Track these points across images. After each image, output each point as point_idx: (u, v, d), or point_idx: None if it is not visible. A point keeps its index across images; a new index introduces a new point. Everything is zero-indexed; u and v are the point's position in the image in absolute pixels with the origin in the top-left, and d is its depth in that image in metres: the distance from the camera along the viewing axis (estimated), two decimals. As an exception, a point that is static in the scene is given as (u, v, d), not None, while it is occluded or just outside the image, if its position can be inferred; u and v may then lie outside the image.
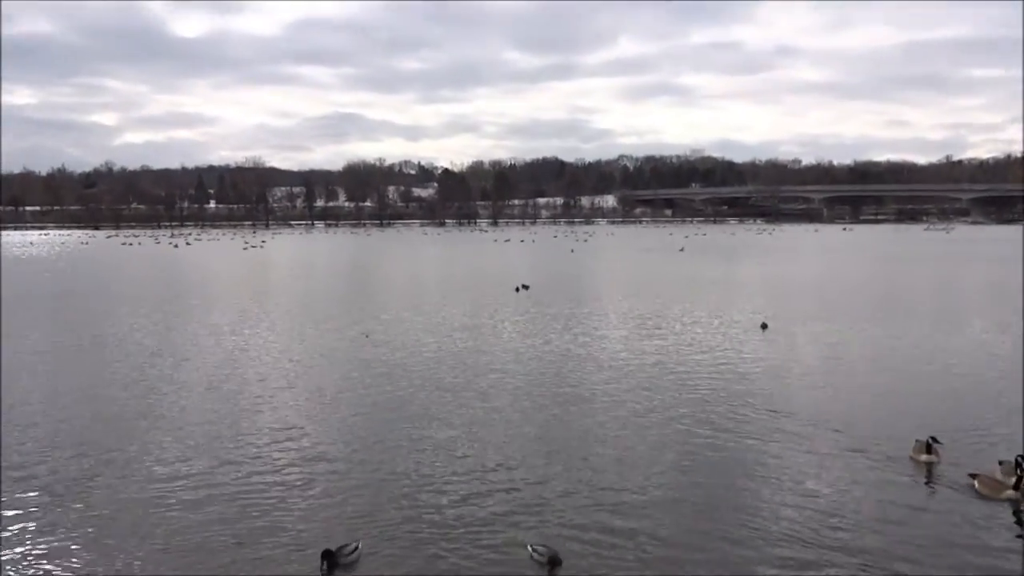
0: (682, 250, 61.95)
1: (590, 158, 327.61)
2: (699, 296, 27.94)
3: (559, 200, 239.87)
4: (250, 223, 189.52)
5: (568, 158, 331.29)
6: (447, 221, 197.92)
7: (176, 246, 78.69)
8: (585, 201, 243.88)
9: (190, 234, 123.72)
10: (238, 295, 28.88)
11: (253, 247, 73.61)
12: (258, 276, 38.83)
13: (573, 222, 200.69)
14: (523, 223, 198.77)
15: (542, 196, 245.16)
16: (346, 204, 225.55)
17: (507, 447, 10.46)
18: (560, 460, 9.93)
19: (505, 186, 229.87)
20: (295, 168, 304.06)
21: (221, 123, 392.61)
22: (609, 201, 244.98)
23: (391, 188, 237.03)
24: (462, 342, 18.35)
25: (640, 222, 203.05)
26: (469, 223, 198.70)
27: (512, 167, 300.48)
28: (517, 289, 30.08)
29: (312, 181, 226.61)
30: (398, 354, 16.86)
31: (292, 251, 67.48)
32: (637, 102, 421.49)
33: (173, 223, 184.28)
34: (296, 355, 16.83)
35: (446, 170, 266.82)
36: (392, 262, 49.77)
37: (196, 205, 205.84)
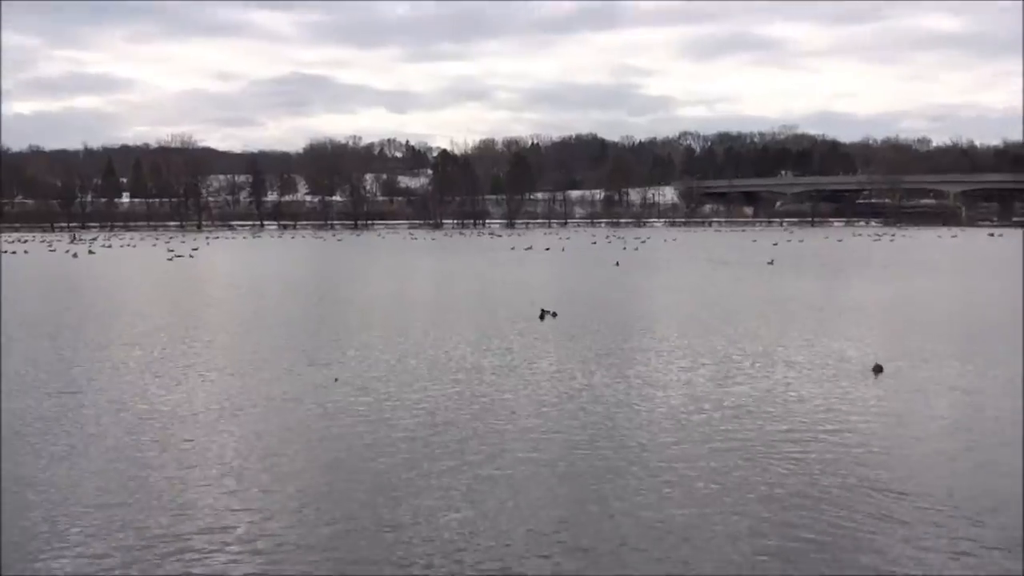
0: (770, 263, 62.06)
1: (642, 136, 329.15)
2: (792, 327, 28.04)
3: (599, 194, 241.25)
4: (177, 223, 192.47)
5: (612, 137, 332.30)
6: (446, 222, 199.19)
7: (76, 255, 79.82)
8: (635, 195, 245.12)
9: (95, 238, 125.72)
10: (158, 326, 29.20)
11: (180, 257, 74.50)
12: (187, 298, 39.27)
13: (618, 223, 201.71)
14: (549, 225, 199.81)
15: (575, 188, 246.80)
16: (308, 199, 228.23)
17: (526, 542, 10.50)
18: (603, 562, 9.88)
19: (525, 175, 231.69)
20: (238, 149, 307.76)
21: (138, 88, 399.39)
22: (667, 195, 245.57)
23: (369, 177, 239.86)
24: (465, 389, 18.51)
25: (710, 224, 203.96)
26: (475, 225, 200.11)
27: (535, 148, 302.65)
28: (541, 316, 30.28)
29: (262, 167, 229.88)
30: (378, 407, 17.02)
31: (233, 263, 68.20)
32: (705, 60, 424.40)
33: (73, 224, 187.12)
34: (237, 411, 17.00)
35: (444, 152, 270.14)
36: (370, 279, 50.19)
37: (104, 199, 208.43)
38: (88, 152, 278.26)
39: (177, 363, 21.84)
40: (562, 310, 32.16)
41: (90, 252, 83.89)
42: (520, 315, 31.28)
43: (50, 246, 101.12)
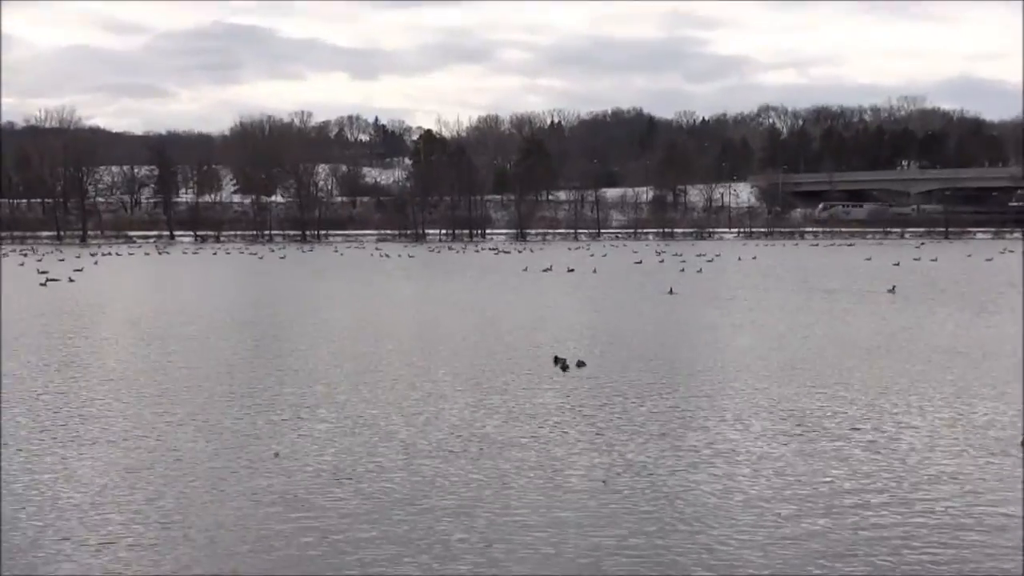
0: (891, 291, 61.95)
1: (706, 113, 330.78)
2: (922, 379, 28.03)
3: (645, 193, 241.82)
4: (53, 233, 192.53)
5: (663, 113, 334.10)
6: (430, 232, 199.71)
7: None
8: (696, 195, 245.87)
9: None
10: (30, 380, 29.21)
11: (56, 281, 74.23)
12: (68, 340, 39.30)
13: (672, 235, 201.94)
14: (575, 236, 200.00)
15: (612, 185, 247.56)
16: (237, 199, 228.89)
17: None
18: None
19: (542, 167, 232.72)
20: (140, 130, 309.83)
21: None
22: (742, 195, 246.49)
23: (323, 169, 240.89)
24: (452, 471, 18.50)
25: (803, 235, 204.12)
26: (472, 236, 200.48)
27: (556, 130, 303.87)
28: (564, 367, 30.08)
29: (173, 155, 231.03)
30: (334, 494, 16.98)
31: (132, 291, 68.17)
32: (795, 5, 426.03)
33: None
34: (143, 497, 16.99)
35: (429, 135, 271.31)
36: (324, 316, 50.21)
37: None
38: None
39: (46, 448, 21.63)
40: (592, 357, 32.11)
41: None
42: (528, 362, 31.32)
43: None
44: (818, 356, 33.21)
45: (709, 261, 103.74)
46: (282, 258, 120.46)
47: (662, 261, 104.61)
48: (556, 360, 30.96)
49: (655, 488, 17.25)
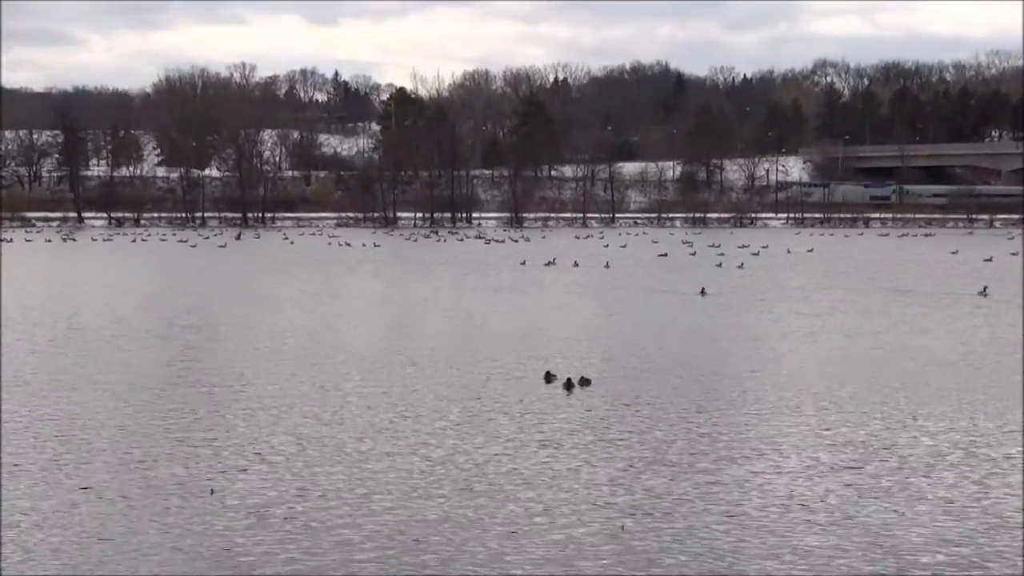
0: (983, 293, 61.99)
1: (748, 70, 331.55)
2: (1014, 406, 27.85)
3: (672, 167, 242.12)
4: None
5: (695, 69, 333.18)
6: (403, 216, 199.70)
7: None
8: (734, 171, 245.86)
9: None
10: None
11: None
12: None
13: (705, 220, 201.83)
14: (584, 222, 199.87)
15: (630, 159, 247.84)
16: (161, 173, 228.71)
17: None
18: None
19: (543, 134, 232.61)
20: (40, 87, 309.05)
21: None
22: (792, 171, 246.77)
23: (268, 136, 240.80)
24: (433, 515, 18.50)
25: (867, 222, 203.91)
26: (456, 220, 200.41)
27: (560, 88, 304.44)
28: (569, 386, 29.96)
29: (81, 118, 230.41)
30: (283, 545, 16.99)
31: (32, 287, 67.80)
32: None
33: None
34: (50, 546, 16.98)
35: (402, 93, 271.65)
36: (272, 319, 50.18)
37: None
38: None
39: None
40: (601, 373, 32.10)
41: None
42: (528, 383, 31.25)
43: None
44: (888, 373, 33.15)
45: (755, 254, 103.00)
46: (221, 247, 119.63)
47: (693, 254, 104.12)
48: (548, 377, 31.03)
49: (679, 536, 17.24)
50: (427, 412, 27.03)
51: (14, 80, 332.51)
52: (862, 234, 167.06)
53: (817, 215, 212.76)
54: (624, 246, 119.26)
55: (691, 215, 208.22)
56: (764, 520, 18.17)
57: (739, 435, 24.43)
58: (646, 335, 43.33)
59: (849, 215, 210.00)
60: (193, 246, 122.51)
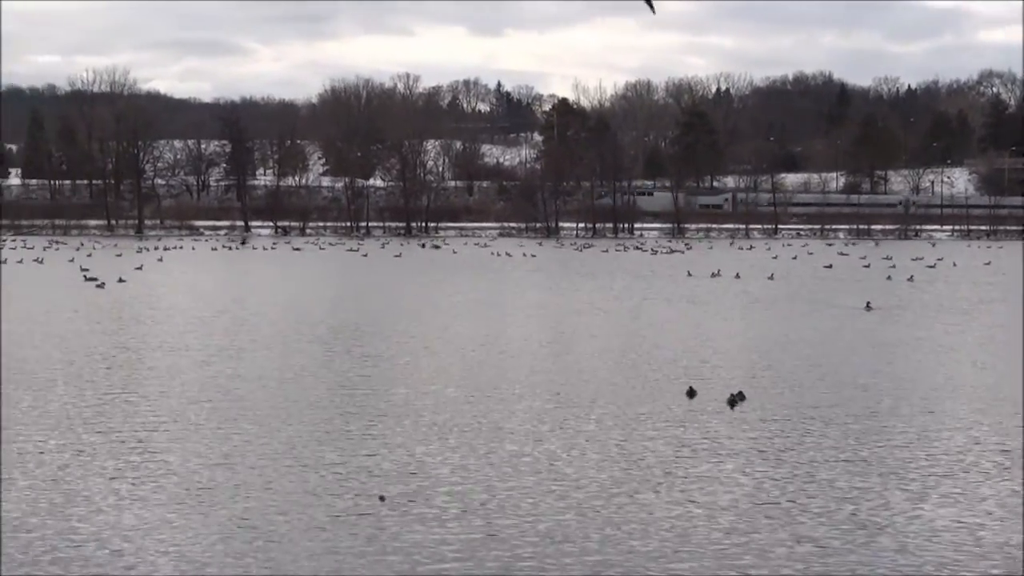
0: None
1: (911, 79, 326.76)
2: None
3: (835, 178, 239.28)
4: (104, 223, 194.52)
5: (858, 80, 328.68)
6: (565, 226, 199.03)
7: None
8: (899, 181, 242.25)
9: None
10: (74, 411, 29.83)
11: (100, 285, 73.63)
12: (126, 368, 40.26)
13: (869, 232, 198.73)
14: (746, 233, 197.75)
15: (792, 170, 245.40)
16: (326, 184, 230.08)
17: None
18: None
19: (706, 145, 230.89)
20: (208, 97, 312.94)
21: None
22: (957, 181, 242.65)
23: (431, 146, 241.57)
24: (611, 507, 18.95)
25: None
26: (619, 231, 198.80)
27: (723, 99, 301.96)
28: (732, 402, 30.00)
29: (247, 127, 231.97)
30: (466, 555, 17.79)
31: (214, 298, 67.12)
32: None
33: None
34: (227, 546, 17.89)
35: (564, 105, 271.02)
36: (455, 325, 50.75)
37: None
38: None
39: (112, 489, 22.68)
40: (755, 388, 32.14)
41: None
42: (678, 395, 31.49)
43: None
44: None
45: (931, 266, 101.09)
46: (397, 256, 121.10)
47: (867, 266, 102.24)
48: (691, 392, 31.17)
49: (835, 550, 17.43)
50: (593, 423, 27.40)
51: (182, 90, 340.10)
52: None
53: (983, 228, 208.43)
54: (794, 258, 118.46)
55: (855, 226, 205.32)
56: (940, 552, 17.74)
57: (910, 466, 23.42)
58: (808, 350, 42.84)
59: (1017, 227, 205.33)
60: (364, 255, 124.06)
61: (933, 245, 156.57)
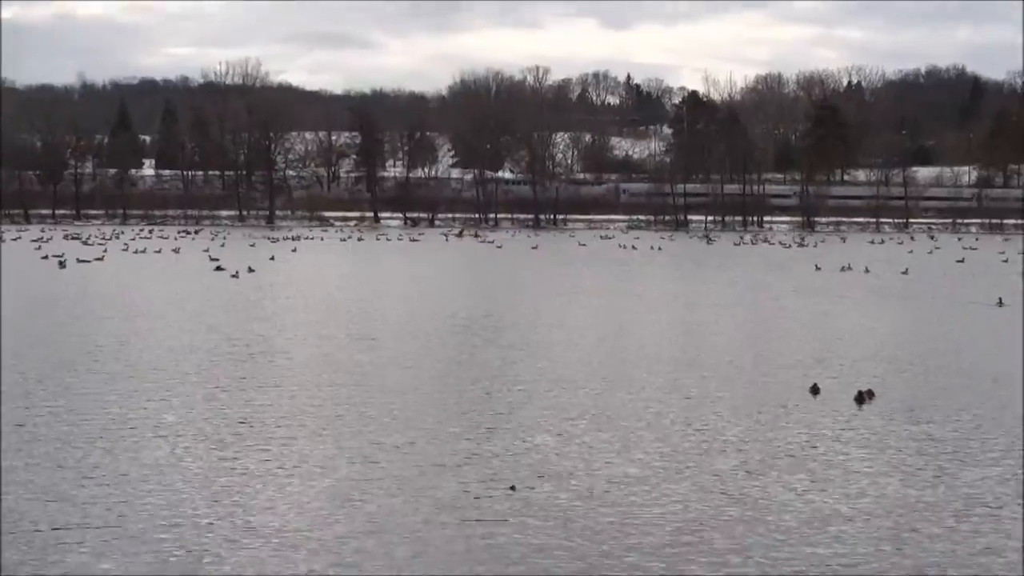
0: None
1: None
2: None
3: (968, 172, 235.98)
4: (235, 213, 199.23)
5: (992, 73, 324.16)
6: (693, 218, 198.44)
7: (63, 263, 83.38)
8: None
9: (89, 238, 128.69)
10: (225, 404, 30.06)
11: (234, 275, 73.57)
12: (264, 358, 40.41)
13: (1002, 226, 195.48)
14: (877, 227, 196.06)
15: (925, 163, 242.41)
16: (456, 175, 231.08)
17: None
18: None
19: (837, 139, 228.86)
20: (339, 89, 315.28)
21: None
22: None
23: (560, 139, 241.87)
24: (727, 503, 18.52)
25: None
26: (747, 224, 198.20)
27: (854, 92, 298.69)
28: (860, 400, 29.33)
29: (377, 119, 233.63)
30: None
31: (355, 290, 66.75)
32: None
33: (61, 211, 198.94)
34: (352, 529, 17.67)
35: (694, 97, 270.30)
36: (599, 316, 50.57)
37: (113, 171, 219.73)
38: (88, 90, 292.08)
39: (261, 475, 22.72)
40: (887, 385, 31.48)
41: (81, 260, 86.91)
42: (800, 390, 30.81)
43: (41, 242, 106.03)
44: None
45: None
46: (534, 248, 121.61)
47: (1005, 261, 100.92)
48: (815, 390, 30.36)
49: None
50: (715, 417, 26.95)
51: (313, 82, 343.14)
52: None
53: None
54: (931, 252, 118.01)
55: (987, 221, 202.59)
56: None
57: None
58: (944, 345, 42.18)
59: None
60: (499, 247, 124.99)
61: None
